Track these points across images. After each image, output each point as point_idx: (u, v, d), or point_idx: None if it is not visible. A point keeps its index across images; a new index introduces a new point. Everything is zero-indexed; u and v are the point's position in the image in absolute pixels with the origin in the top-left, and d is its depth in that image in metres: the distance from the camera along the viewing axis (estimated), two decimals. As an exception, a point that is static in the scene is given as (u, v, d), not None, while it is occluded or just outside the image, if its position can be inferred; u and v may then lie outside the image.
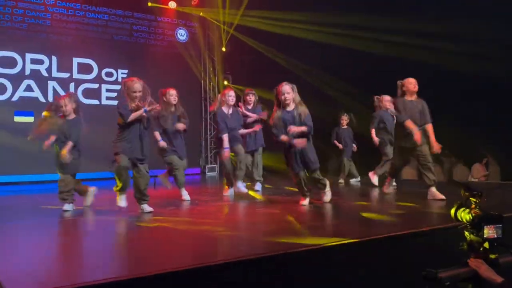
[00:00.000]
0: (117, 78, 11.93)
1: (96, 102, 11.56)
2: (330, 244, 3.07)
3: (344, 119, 8.76)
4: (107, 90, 11.77)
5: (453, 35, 8.02)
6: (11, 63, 10.48)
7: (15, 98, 10.37)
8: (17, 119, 10.20)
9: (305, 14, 10.50)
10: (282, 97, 5.03)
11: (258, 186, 7.10)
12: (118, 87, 11.83)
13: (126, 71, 12.00)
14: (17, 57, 10.57)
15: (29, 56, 10.73)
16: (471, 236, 1.92)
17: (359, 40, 9.46)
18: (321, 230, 3.96)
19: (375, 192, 6.74)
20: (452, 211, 1.99)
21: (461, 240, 1.95)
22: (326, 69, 10.45)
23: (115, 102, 11.69)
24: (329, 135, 8.77)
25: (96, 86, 11.61)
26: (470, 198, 1.96)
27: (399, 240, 3.36)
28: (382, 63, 9.06)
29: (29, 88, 10.65)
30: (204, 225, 4.17)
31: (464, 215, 1.93)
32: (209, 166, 13.20)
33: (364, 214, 4.50)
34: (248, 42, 12.62)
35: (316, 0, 10.36)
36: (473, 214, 1.90)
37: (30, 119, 10.38)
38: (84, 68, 11.47)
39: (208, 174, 12.89)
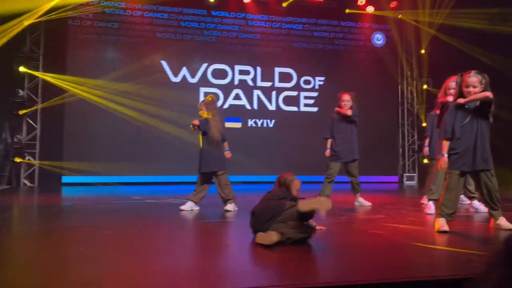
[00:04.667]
0: (314, 85, 12.29)
1: (295, 109, 12.09)
2: None
3: None
4: (305, 98, 12.20)
5: None
6: (223, 74, 11.67)
7: (226, 106, 11.49)
8: (228, 124, 11.26)
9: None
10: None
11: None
12: (315, 94, 12.18)
13: (323, 78, 12.28)
14: (228, 69, 11.72)
15: (237, 67, 11.80)
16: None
17: None
18: None
19: None
20: None
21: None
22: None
23: (312, 109, 12.11)
24: None
25: (295, 93, 12.15)
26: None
27: None
28: None
29: (237, 97, 11.71)
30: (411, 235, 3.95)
31: None
32: (407, 174, 12.60)
33: None
34: (452, 42, 11.70)
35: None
36: None
37: (238, 124, 11.42)
38: (285, 77, 12.11)
39: (406, 183, 12.31)
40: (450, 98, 5.03)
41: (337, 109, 6.43)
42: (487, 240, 4.03)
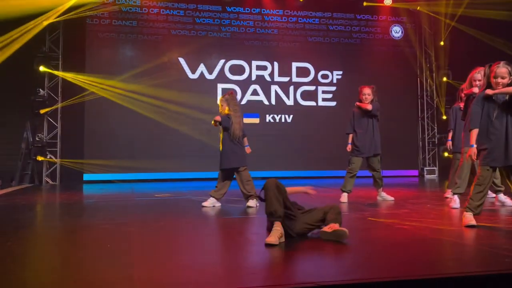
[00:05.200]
0: (332, 80, 12.19)
1: (313, 103, 12.02)
2: None
3: None
4: (323, 92, 12.12)
5: None
6: (240, 70, 11.66)
7: (243, 102, 11.46)
8: (246, 120, 11.18)
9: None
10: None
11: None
12: (333, 88, 12.10)
13: (340, 72, 12.19)
14: (245, 65, 11.70)
15: (254, 63, 11.77)
16: None
17: None
18: None
19: None
20: None
21: None
22: None
23: (330, 104, 12.04)
24: None
25: (312, 88, 12.07)
26: None
27: None
28: None
29: (255, 92, 11.69)
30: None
31: None
32: (428, 168, 12.43)
33: None
34: (472, 33, 11.48)
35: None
36: None
37: (256, 120, 11.41)
38: (302, 72, 12.04)
39: (427, 176, 12.15)
40: (476, 90, 4.93)
41: (357, 103, 6.35)
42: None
